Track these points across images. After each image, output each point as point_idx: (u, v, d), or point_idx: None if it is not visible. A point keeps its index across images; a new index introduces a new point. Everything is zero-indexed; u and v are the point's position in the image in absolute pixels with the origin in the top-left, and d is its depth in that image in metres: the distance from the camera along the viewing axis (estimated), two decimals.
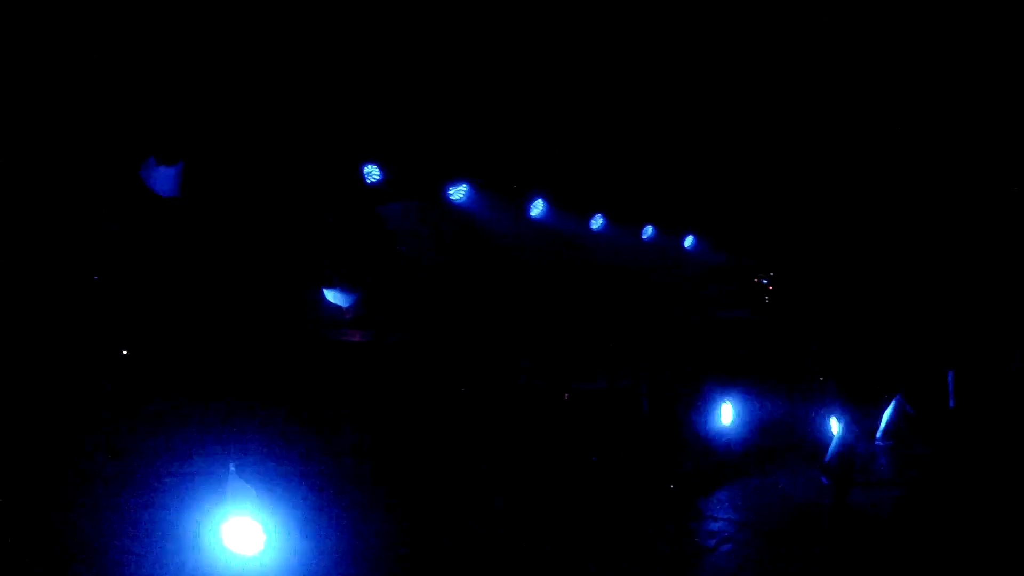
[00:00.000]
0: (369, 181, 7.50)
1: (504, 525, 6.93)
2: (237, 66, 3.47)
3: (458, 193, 8.86)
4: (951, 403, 9.12)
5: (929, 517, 7.74)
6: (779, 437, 10.44)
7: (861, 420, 7.77)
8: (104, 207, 4.28)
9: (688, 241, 12.49)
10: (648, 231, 11.53)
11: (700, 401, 10.22)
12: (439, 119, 8.24)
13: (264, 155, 3.45)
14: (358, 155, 7.11)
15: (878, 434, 10.39)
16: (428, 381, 8.18)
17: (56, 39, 4.72)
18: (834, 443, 8.06)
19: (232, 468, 3.16)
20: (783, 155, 11.80)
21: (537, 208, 9.81)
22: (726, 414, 10.34)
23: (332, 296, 3.49)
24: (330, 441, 4.71)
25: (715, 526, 7.35)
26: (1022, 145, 11.12)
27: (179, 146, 3.10)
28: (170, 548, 2.93)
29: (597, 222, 10.72)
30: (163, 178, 3.12)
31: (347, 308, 6.70)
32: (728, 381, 10.58)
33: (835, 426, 8.61)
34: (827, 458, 8.01)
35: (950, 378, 9.14)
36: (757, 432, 10.46)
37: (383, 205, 7.97)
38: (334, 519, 3.46)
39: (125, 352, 3.23)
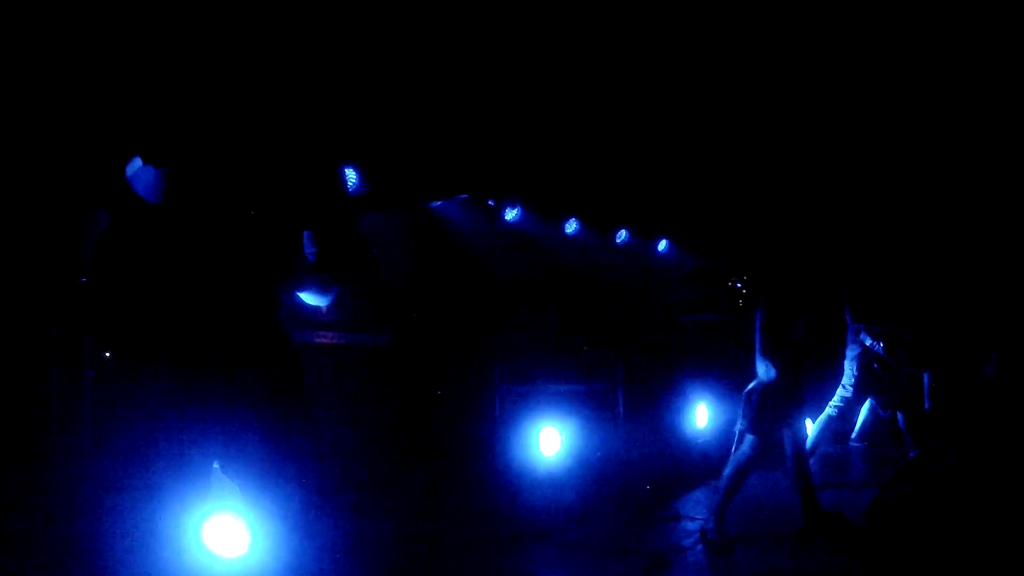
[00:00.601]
0: (348, 185, 7.53)
1: (482, 523, 6.96)
2: (222, 73, 3.47)
3: None
4: (926, 405, 9.21)
5: (902, 518, 7.82)
6: None
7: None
8: (91, 208, 4.26)
9: (662, 245, 12.58)
10: (622, 235, 11.60)
11: (676, 403, 10.29)
12: (417, 125, 8.26)
13: (245, 158, 3.44)
14: (338, 159, 7.10)
15: (853, 435, 10.51)
16: (404, 383, 8.20)
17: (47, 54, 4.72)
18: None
19: (216, 466, 3.16)
20: (755, 160, 11.92)
21: (512, 212, 9.84)
22: (702, 416, 10.42)
23: (308, 298, 3.47)
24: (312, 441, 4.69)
25: (691, 526, 7.40)
26: (990, 149, 11.30)
27: (168, 150, 3.08)
28: (164, 549, 2.91)
29: (571, 226, 10.78)
30: (147, 181, 3.10)
31: (324, 310, 6.71)
32: (704, 383, 10.66)
33: (809, 426, 8.70)
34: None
35: (926, 380, 9.24)
36: (733, 433, 10.52)
37: (360, 208, 7.98)
38: (319, 519, 3.45)
39: (108, 351, 3.22)
